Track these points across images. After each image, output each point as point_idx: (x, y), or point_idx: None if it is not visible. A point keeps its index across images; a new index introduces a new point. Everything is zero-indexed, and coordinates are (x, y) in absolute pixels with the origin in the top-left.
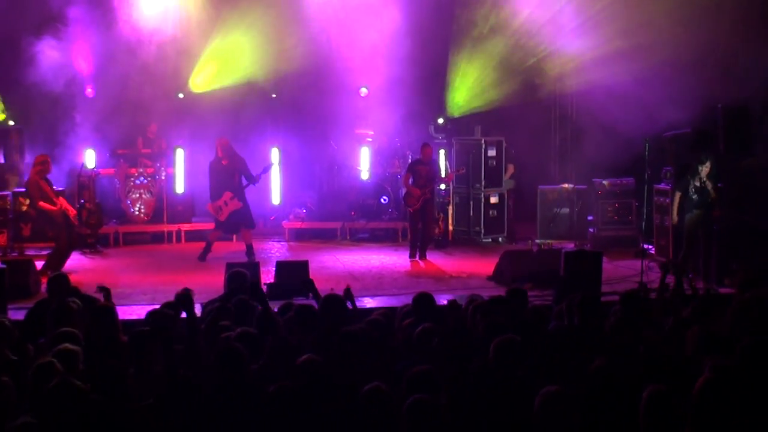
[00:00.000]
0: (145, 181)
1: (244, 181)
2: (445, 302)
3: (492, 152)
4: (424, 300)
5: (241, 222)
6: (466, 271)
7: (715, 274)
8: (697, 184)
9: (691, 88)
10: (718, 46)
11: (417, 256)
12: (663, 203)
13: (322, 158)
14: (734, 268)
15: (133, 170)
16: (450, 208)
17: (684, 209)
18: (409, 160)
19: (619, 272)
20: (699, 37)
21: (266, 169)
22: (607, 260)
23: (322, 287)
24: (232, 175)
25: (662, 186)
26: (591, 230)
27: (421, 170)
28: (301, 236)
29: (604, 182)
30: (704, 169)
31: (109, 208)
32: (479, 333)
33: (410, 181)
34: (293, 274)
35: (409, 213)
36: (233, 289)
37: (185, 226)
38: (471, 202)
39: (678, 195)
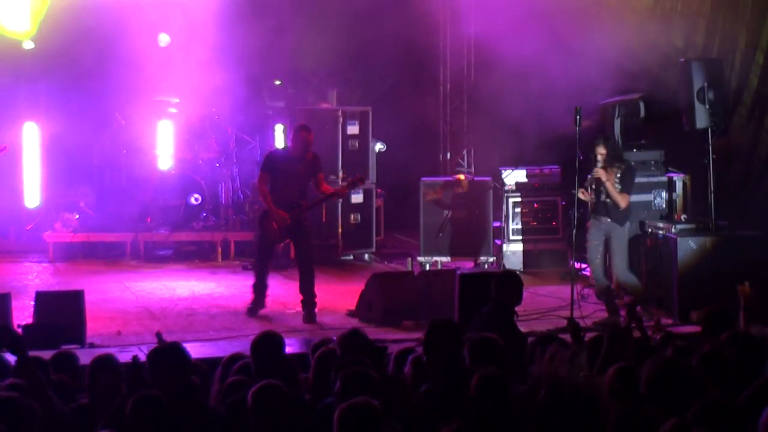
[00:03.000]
0: None
1: None
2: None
3: (353, 128)
4: (265, 345)
5: None
6: (316, 302)
7: (678, 306)
8: None
9: (641, 36)
10: None
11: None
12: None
13: (102, 138)
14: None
15: None
16: None
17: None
18: (234, 141)
19: (540, 303)
20: None
21: None
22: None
23: (106, 331)
24: None
25: None
26: (498, 242)
27: (287, 169)
28: (72, 254)
29: (517, 172)
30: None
31: None
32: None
33: (267, 187)
34: (62, 310)
35: (265, 236)
36: None
37: None
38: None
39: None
